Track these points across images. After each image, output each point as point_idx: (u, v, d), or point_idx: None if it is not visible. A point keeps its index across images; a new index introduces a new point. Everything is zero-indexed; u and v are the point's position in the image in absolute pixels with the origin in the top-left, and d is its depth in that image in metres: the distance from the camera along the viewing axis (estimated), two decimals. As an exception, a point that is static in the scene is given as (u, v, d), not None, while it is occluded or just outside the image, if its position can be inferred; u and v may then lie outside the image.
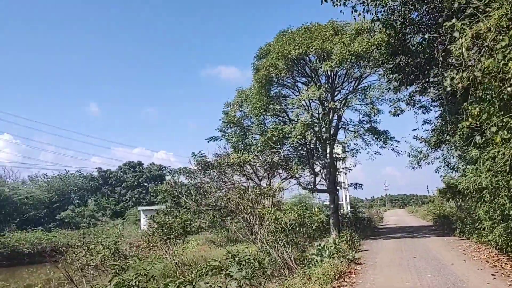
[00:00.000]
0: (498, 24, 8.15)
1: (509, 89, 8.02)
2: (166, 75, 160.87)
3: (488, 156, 10.58)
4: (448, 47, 9.07)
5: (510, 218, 10.53)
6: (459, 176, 16.95)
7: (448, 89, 8.94)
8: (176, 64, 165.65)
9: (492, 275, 9.30)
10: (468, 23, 8.79)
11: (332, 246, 12.91)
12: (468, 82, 8.67)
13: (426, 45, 13.14)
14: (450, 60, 9.39)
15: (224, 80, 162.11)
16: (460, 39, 8.58)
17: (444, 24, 8.76)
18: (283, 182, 29.80)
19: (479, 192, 12.07)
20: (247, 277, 10.76)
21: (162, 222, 18.03)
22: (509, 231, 10.95)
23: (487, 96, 9.28)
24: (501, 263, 10.93)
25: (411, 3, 11.99)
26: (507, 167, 10.31)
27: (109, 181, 77.29)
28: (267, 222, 12.98)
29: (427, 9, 12.76)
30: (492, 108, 9.40)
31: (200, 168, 27.70)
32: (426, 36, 11.11)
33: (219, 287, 8.58)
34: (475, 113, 9.61)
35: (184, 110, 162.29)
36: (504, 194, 10.61)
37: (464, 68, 8.57)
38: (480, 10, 9.02)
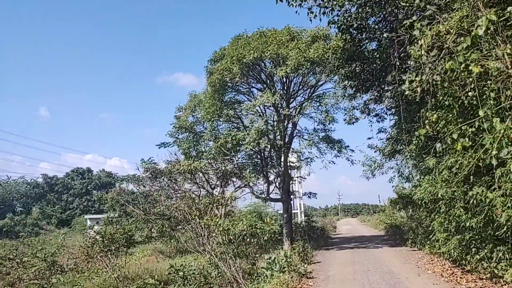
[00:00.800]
0: (458, 26, 7.74)
1: (470, 93, 7.62)
2: (122, 81, 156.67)
3: (445, 166, 10.21)
4: (407, 48, 8.64)
5: (466, 230, 10.18)
6: (413, 186, 16.75)
7: (406, 92, 8.45)
8: (132, 70, 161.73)
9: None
10: (427, 24, 8.37)
11: (283, 259, 12.14)
12: (428, 86, 8.22)
13: (381, 51, 12.80)
14: (409, 63, 8.92)
15: (180, 87, 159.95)
16: (419, 40, 8.12)
17: (404, 22, 8.26)
18: (236, 191, 28.98)
19: (434, 203, 11.74)
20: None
21: (102, 232, 16.63)
22: (464, 243, 10.61)
23: (446, 102, 8.86)
24: (456, 277, 10.56)
25: (368, 5, 11.57)
26: (463, 177, 9.98)
27: (56, 188, 73.49)
28: (214, 234, 12.03)
29: (383, 15, 12.42)
30: (451, 115, 9.00)
31: (150, 175, 26.37)
32: (384, 36, 10.67)
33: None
34: (433, 120, 9.19)
35: (140, 116, 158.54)
36: (459, 205, 10.27)
37: (423, 71, 8.11)
38: (439, 12, 8.65)
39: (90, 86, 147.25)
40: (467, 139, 7.64)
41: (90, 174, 75.79)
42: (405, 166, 15.21)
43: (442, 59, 7.90)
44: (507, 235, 8.70)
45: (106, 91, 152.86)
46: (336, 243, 26.15)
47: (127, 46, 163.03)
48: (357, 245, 23.07)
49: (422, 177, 12.92)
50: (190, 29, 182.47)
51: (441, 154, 10.57)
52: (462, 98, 8.32)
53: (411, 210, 27.50)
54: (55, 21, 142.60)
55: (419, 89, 8.23)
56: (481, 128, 8.09)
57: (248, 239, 17.60)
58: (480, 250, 9.82)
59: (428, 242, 17.43)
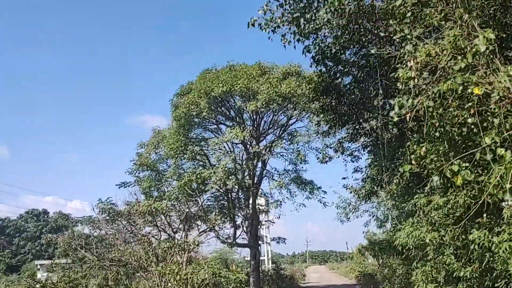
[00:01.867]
0: (453, 45, 6.84)
1: (469, 120, 6.60)
2: (88, 121, 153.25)
3: (433, 206, 9.09)
4: (395, 72, 7.70)
5: (459, 281, 8.93)
6: (392, 231, 15.61)
7: (395, 119, 7.38)
8: (98, 110, 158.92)
9: None
10: (414, 46, 7.47)
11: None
12: (418, 113, 7.19)
13: (360, 81, 11.96)
14: (394, 89, 7.94)
15: (149, 128, 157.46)
16: (409, 62, 7.17)
17: (394, 37, 7.33)
18: (201, 235, 27.06)
19: (418, 249, 10.53)
20: None
21: (44, 282, 14.50)
22: (456, 296, 9.34)
23: (436, 134, 7.83)
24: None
25: (346, 32, 10.76)
26: (455, 219, 8.88)
27: (7, 231, 68.62)
28: (169, 285, 10.34)
29: (362, 43, 11.64)
30: (441, 148, 7.96)
31: (107, 217, 24.23)
32: (371, 53, 9.75)
33: None
34: (421, 153, 8.14)
35: (105, 158, 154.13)
36: (449, 252, 9.09)
37: (414, 95, 7.10)
38: (428, 33, 7.81)
39: (55, 126, 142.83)
40: (468, 171, 6.51)
41: (46, 216, 71.52)
42: (383, 208, 14.10)
43: (436, 82, 6.95)
44: (509, 287, 7.52)
45: (71, 131, 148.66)
46: (307, 293, 24.42)
47: (94, 84, 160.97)
48: (329, 296, 21.47)
49: (404, 219, 11.78)
50: (160, 70, 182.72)
51: (429, 193, 9.48)
52: (453, 129, 7.35)
53: (385, 257, 26.29)
54: (18, 55, 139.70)
55: (409, 116, 7.19)
56: (481, 161, 7.08)
57: (210, 290, 15.79)
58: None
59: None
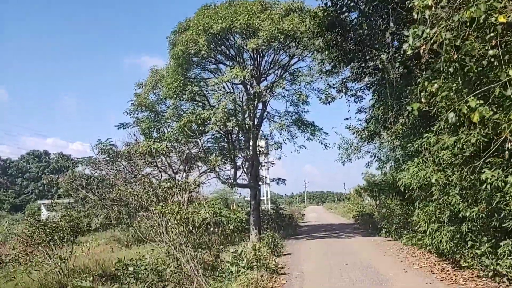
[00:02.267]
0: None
1: (490, 52, 6.12)
2: (88, 64, 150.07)
3: (442, 145, 8.78)
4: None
5: (464, 221, 8.82)
6: (394, 171, 15.49)
7: (409, 52, 6.88)
8: (97, 52, 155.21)
9: (449, 292, 7.47)
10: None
11: (251, 252, 10.50)
12: (433, 45, 6.67)
13: (368, 16, 11.26)
14: (412, 16, 7.32)
15: (148, 70, 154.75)
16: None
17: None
18: (201, 176, 27.16)
19: (423, 189, 10.37)
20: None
21: (44, 221, 14.53)
22: (459, 236, 9.28)
23: (450, 69, 7.34)
24: (449, 274, 9.24)
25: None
26: (464, 159, 8.61)
27: (9, 171, 69.20)
28: (169, 224, 10.24)
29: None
30: (455, 85, 7.50)
31: (108, 158, 24.13)
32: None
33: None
34: (432, 90, 7.71)
35: (105, 100, 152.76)
36: (455, 192, 8.91)
37: (430, 26, 6.55)
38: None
39: (53, 69, 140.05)
40: (487, 107, 6.12)
41: (47, 157, 71.85)
42: (386, 149, 13.81)
43: (456, 10, 6.37)
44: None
45: (70, 73, 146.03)
46: (306, 232, 24.87)
47: (92, 27, 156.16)
48: (328, 235, 21.83)
49: (408, 160, 11.55)
50: (159, 10, 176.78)
51: (438, 132, 9.14)
52: (471, 62, 6.87)
53: (383, 197, 26.57)
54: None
55: (423, 48, 6.68)
56: (497, 98, 6.68)
57: (211, 229, 15.92)
58: (480, 244, 8.49)
59: (406, 233, 16.30)
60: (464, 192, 8.98)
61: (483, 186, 7.06)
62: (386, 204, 24.77)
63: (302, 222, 36.25)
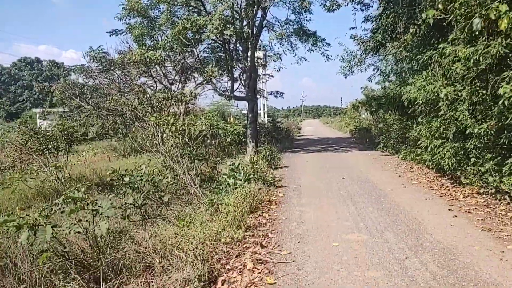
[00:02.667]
0: None
1: None
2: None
3: (455, 58, 8.18)
4: None
5: (471, 137, 8.52)
6: (398, 85, 14.94)
7: None
8: None
9: (450, 210, 7.34)
10: None
11: (248, 165, 10.33)
12: None
13: None
14: None
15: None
16: None
17: None
18: (198, 87, 26.53)
19: (429, 104, 9.94)
20: (137, 205, 7.95)
21: (36, 129, 14.22)
22: (462, 152, 9.04)
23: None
24: (448, 189, 9.15)
25: None
26: (475, 73, 8.07)
27: (2, 79, 67.86)
28: (164, 135, 9.91)
29: None
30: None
31: (101, 67, 23.29)
32: None
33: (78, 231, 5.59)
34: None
35: (97, 4, 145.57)
36: (463, 107, 8.49)
37: None
38: None
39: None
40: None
41: (39, 65, 70.10)
42: (390, 61, 13.05)
43: None
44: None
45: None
46: (302, 145, 24.93)
47: None
48: (325, 148, 21.85)
49: (415, 73, 10.97)
50: None
51: (451, 43, 8.48)
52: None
53: (381, 112, 26.30)
54: None
55: None
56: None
57: (208, 141, 15.73)
58: (484, 161, 8.27)
59: (403, 148, 16.22)
60: (473, 108, 8.58)
61: (500, 102, 6.60)
62: (384, 119, 24.60)
63: (299, 136, 36.39)
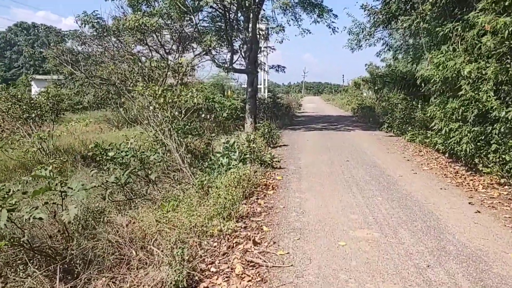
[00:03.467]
0: None
1: None
2: None
3: (483, 30, 7.19)
4: None
5: (497, 121, 7.60)
6: (411, 61, 13.89)
7: None
8: None
9: (470, 203, 6.48)
10: None
11: (244, 143, 9.42)
12: None
13: None
14: None
15: None
16: None
17: None
18: (195, 58, 25.36)
19: (449, 83, 8.97)
20: (120, 183, 7.11)
21: (19, 96, 13.24)
22: (483, 137, 8.14)
23: None
24: (464, 178, 8.28)
25: None
26: (507, 48, 7.08)
27: (-3, 44, 66.20)
28: (151, 108, 8.97)
29: None
30: None
31: (95, 33, 22.09)
32: None
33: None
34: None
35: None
36: (488, 87, 7.53)
37: None
38: None
39: None
40: None
41: (36, 31, 68.27)
42: (402, 35, 11.93)
43: None
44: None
45: None
46: (303, 123, 23.99)
47: None
48: (326, 126, 20.92)
49: (432, 49, 9.94)
50: None
51: (479, 14, 7.46)
52: None
53: (385, 90, 25.31)
54: None
55: None
56: None
57: (203, 115, 14.78)
58: (509, 149, 7.38)
59: (410, 129, 15.34)
60: (498, 88, 7.64)
61: None
62: (388, 98, 23.61)
63: (299, 112, 35.39)
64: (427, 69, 9.27)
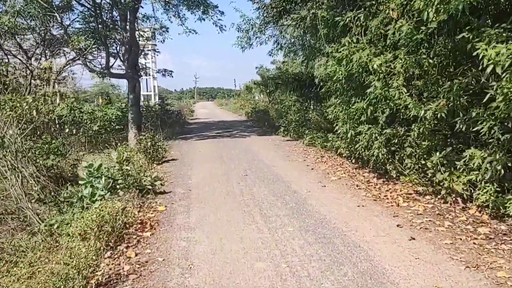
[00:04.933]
0: None
1: None
2: None
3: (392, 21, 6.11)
4: None
5: (415, 121, 6.56)
6: (305, 60, 12.85)
7: None
8: None
9: (399, 225, 5.25)
10: None
11: (114, 166, 7.32)
12: None
13: None
14: None
15: None
16: None
17: None
18: (68, 64, 22.18)
19: (352, 81, 7.87)
20: None
21: None
22: (395, 141, 7.12)
23: None
24: (378, 188, 7.20)
25: None
26: (424, 35, 6.08)
27: None
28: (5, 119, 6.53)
29: None
30: None
31: None
32: None
33: None
34: None
35: None
36: (399, 83, 6.49)
37: None
38: None
39: None
40: None
41: None
42: (297, 28, 10.82)
43: None
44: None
45: None
46: (196, 130, 22.16)
47: None
48: (220, 133, 19.36)
49: (332, 42, 8.84)
50: None
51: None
52: None
53: (278, 92, 24.57)
54: None
55: None
56: None
57: (67, 130, 12.22)
58: (423, 152, 6.41)
59: (307, 132, 14.43)
60: (412, 83, 6.65)
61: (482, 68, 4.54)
62: (280, 100, 22.87)
63: (192, 119, 33.46)
64: (328, 65, 8.09)
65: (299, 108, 18.02)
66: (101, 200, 6.19)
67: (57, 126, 11.66)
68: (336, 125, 9.09)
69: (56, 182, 8.38)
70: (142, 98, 53.99)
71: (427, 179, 6.46)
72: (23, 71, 17.38)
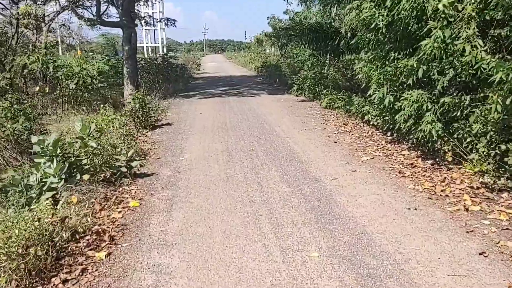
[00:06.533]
0: None
1: None
2: None
3: None
4: None
5: (466, 87, 4.62)
6: (325, 6, 10.69)
7: None
8: None
9: (483, 253, 3.47)
10: None
11: (77, 141, 5.49)
12: None
13: None
14: None
15: None
16: None
17: None
18: (62, 10, 20.01)
19: (397, 29, 5.87)
20: None
21: None
22: (458, 113, 5.22)
23: None
24: (431, 178, 5.34)
25: None
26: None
27: None
28: None
29: None
30: None
31: None
32: None
33: None
34: None
35: None
36: (469, 32, 4.50)
37: None
38: None
39: None
40: None
41: None
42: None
43: None
44: None
45: None
46: (200, 87, 20.16)
47: None
48: (227, 91, 17.39)
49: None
50: None
51: None
52: None
53: (291, 45, 22.27)
54: None
55: None
56: None
57: (37, 88, 10.35)
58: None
59: (325, 92, 12.52)
60: (488, 34, 4.65)
61: None
62: (293, 54, 20.68)
63: (198, 74, 31.24)
64: (363, 9, 6.06)
65: (314, 63, 16.00)
66: (47, 193, 4.47)
67: (26, 83, 9.87)
68: (366, 86, 7.20)
69: (21, 155, 6.72)
70: (149, 50, 51.48)
71: (503, 169, 4.61)
72: (7, 18, 15.45)
